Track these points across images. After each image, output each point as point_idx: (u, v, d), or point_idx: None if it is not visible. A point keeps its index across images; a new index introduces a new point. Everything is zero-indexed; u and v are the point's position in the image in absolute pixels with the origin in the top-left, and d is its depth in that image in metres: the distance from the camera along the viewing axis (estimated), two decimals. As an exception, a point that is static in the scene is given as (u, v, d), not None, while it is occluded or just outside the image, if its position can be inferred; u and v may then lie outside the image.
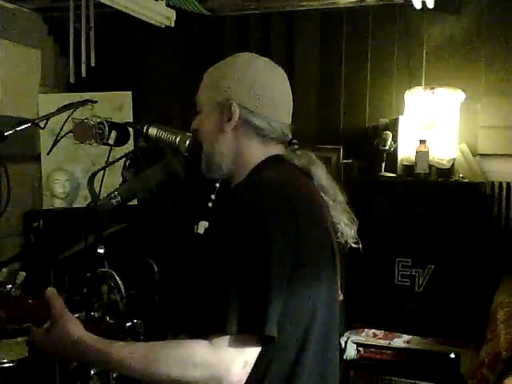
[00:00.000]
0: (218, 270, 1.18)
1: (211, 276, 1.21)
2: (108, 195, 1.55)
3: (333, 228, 1.36)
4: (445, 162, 3.13)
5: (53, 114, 2.11)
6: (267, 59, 1.43)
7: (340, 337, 2.98)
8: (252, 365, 1.15)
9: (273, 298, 1.14)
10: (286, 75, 1.43)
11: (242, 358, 1.13)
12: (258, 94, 1.36)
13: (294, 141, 1.44)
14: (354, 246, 1.40)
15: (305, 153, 1.42)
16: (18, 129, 2.04)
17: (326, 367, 1.33)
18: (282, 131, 1.39)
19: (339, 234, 1.37)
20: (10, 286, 1.22)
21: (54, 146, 2.13)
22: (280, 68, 1.43)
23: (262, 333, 1.13)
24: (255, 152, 1.38)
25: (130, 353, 1.17)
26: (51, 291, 1.26)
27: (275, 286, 1.15)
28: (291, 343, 1.23)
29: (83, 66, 3.40)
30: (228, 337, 1.12)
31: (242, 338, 1.13)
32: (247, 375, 1.14)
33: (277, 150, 1.40)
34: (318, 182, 1.38)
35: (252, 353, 1.15)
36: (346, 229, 1.38)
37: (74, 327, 1.23)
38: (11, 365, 2.26)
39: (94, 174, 1.65)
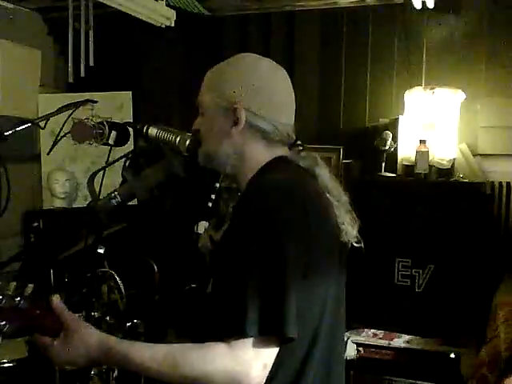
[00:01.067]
0: (234, 272, 1.18)
1: (227, 278, 1.21)
2: (108, 195, 1.55)
3: (337, 227, 1.37)
4: (445, 162, 3.13)
5: (53, 114, 2.11)
6: (269, 60, 1.43)
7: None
8: (270, 366, 1.15)
9: (290, 299, 1.15)
10: (287, 75, 1.43)
11: (261, 360, 1.14)
12: (264, 97, 1.36)
13: (297, 142, 1.44)
14: (356, 245, 1.40)
15: (309, 154, 1.42)
16: (17, 129, 2.04)
17: (332, 364, 1.35)
18: (286, 133, 1.39)
19: (343, 233, 1.37)
20: (19, 298, 1.22)
21: (54, 146, 2.14)
22: (282, 68, 1.43)
23: (283, 334, 1.13)
24: (260, 154, 1.38)
25: (150, 356, 1.18)
26: (57, 301, 1.25)
27: (292, 286, 1.16)
28: (302, 341, 1.23)
29: (82, 66, 3.40)
30: (247, 339, 1.13)
31: (261, 339, 1.13)
32: (266, 377, 1.15)
33: (281, 151, 1.40)
34: (323, 183, 1.39)
35: (270, 354, 1.16)
36: (349, 228, 1.38)
37: (92, 332, 1.23)
38: (11, 365, 2.27)
39: (94, 174, 1.65)
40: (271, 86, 1.37)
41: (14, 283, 1.22)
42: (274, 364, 1.18)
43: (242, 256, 1.18)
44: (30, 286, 1.24)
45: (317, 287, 1.25)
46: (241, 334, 1.12)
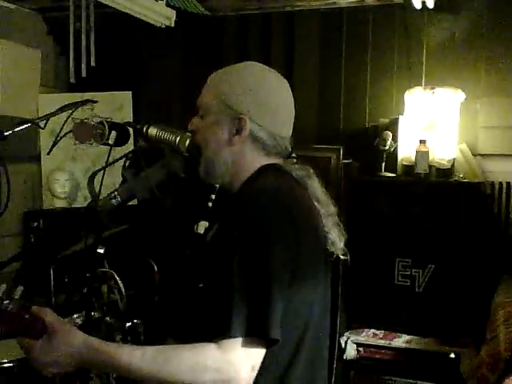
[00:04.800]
0: (223, 274, 1.20)
1: (216, 280, 1.22)
2: (108, 195, 1.55)
3: (324, 237, 1.38)
4: (445, 162, 3.13)
5: (53, 114, 2.11)
6: (275, 72, 1.44)
7: (340, 337, 2.98)
8: (258, 368, 1.17)
9: (276, 302, 1.16)
10: (289, 88, 1.45)
11: (250, 362, 1.15)
12: (269, 111, 1.37)
13: (292, 154, 1.46)
14: (342, 257, 1.42)
15: (302, 166, 1.44)
16: (17, 129, 2.04)
17: (317, 368, 1.35)
18: (285, 146, 1.42)
19: (329, 243, 1.39)
20: (8, 301, 1.21)
21: (54, 146, 2.13)
22: (284, 79, 1.45)
23: (268, 336, 1.15)
24: (257, 165, 1.39)
25: (139, 356, 1.18)
26: (40, 308, 1.24)
27: (278, 290, 1.17)
28: (287, 345, 1.25)
29: (83, 66, 3.40)
30: (236, 340, 1.14)
31: (249, 341, 1.15)
32: (253, 378, 1.16)
33: (275, 161, 1.42)
34: (313, 194, 1.41)
35: (258, 355, 1.17)
36: (336, 239, 1.40)
37: (77, 333, 1.22)
38: (11, 365, 2.26)
39: (94, 174, 1.65)
40: (276, 99, 1.39)
41: (4, 285, 1.22)
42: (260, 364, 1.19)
43: (230, 259, 1.19)
44: (20, 288, 1.24)
45: (303, 293, 1.27)
46: (226, 334, 1.14)
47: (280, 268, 1.18)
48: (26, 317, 1.22)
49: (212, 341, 1.15)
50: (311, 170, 1.43)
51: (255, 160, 1.39)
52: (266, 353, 1.19)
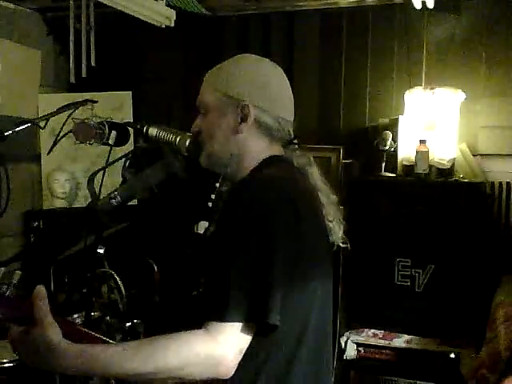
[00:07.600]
0: (221, 260, 1.19)
1: (214, 267, 1.22)
2: (108, 195, 1.55)
3: (326, 226, 1.39)
4: (445, 162, 3.12)
5: (53, 114, 2.11)
6: (268, 59, 1.45)
7: (340, 337, 2.98)
8: (244, 352, 1.15)
9: (276, 288, 1.15)
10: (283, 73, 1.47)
11: (239, 345, 1.14)
12: (269, 93, 1.38)
13: (294, 141, 1.46)
14: (342, 245, 1.43)
15: (303, 154, 1.45)
16: (17, 129, 2.05)
17: (321, 361, 1.35)
18: (287, 130, 1.42)
19: (331, 232, 1.40)
20: (6, 286, 1.19)
21: (54, 146, 2.14)
22: (279, 67, 1.46)
23: (267, 321, 1.14)
24: (260, 152, 1.40)
25: (121, 350, 1.12)
26: (40, 291, 1.14)
27: (278, 276, 1.17)
28: (289, 336, 1.24)
29: (83, 66, 3.40)
30: (225, 324, 1.13)
31: (240, 326, 1.14)
32: (238, 361, 1.15)
33: (278, 150, 1.42)
34: (314, 182, 1.41)
35: (247, 340, 1.16)
36: (336, 228, 1.41)
37: (54, 333, 1.10)
38: (11, 365, 2.26)
39: (94, 174, 1.66)
40: (274, 82, 1.41)
41: (2, 269, 1.20)
42: (262, 356, 1.20)
43: (230, 246, 1.19)
44: (18, 272, 1.22)
45: (305, 281, 1.26)
46: (223, 319, 1.12)
47: (282, 255, 1.18)
48: (24, 303, 1.15)
49: (203, 325, 1.13)
50: (311, 158, 1.44)
51: (260, 148, 1.39)
52: (267, 344, 1.19)
